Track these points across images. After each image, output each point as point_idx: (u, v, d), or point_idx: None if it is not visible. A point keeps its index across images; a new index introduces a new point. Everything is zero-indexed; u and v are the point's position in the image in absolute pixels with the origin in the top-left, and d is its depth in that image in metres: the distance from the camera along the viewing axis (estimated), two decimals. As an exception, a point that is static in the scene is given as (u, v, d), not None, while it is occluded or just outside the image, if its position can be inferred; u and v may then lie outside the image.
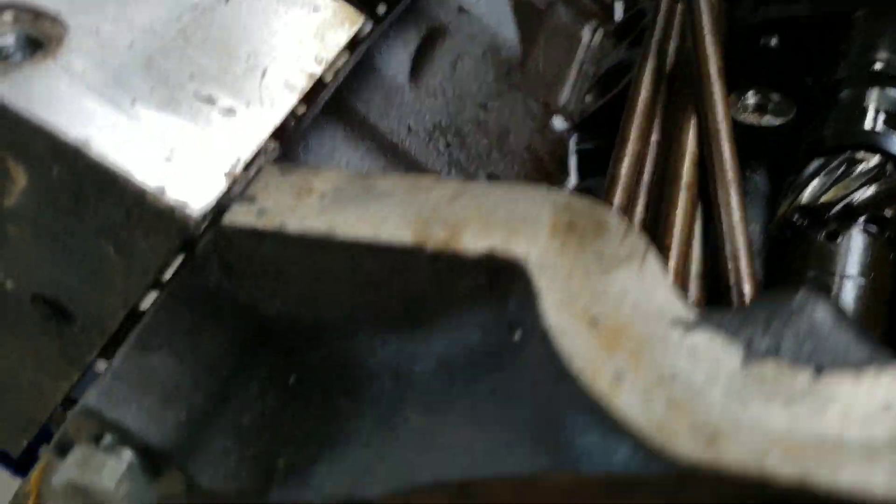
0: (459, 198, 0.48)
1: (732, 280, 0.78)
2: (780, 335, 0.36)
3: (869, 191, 0.76)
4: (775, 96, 0.95)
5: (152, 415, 0.49)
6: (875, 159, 0.79)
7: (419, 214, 0.47)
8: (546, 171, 1.16)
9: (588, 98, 1.30)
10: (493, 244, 0.43)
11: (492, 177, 1.08)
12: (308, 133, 0.90)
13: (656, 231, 0.86)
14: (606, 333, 0.37)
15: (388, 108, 1.02)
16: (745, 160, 0.97)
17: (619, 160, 0.97)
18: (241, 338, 0.55)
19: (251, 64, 0.58)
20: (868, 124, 0.82)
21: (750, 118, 0.93)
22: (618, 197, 0.89)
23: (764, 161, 0.96)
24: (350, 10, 0.67)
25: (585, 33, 1.46)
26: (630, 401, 0.33)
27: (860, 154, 0.81)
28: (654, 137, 0.95)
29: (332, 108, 0.94)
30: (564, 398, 0.36)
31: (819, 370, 0.33)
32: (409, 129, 1.03)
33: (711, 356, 0.35)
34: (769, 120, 0.92)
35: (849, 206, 0.75)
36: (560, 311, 0.39)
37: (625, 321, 0.37)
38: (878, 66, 0.88)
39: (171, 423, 0.50)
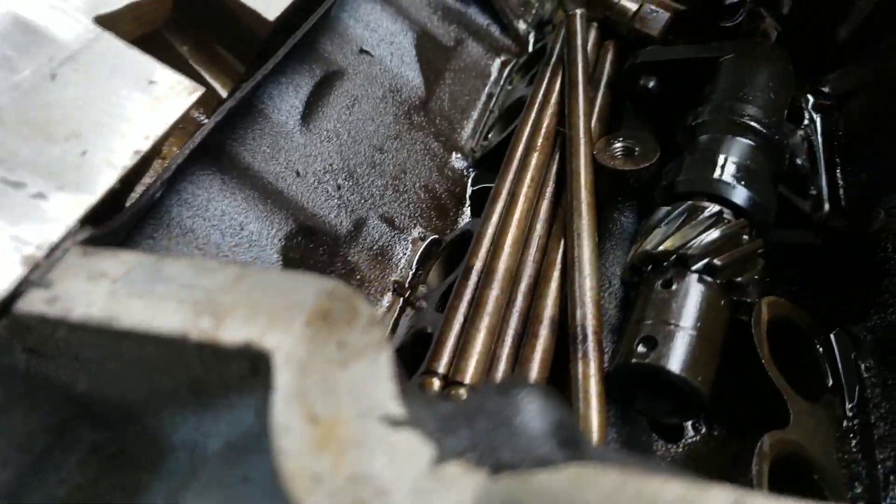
0: (238, 283, 0.51)
1: (578, 324, 0.81)
2: (480, 432, 0.38)
3: (704, 240, 0.79)
4: (641, 141, 0.98)
5: (-46, 495, 0.51)
6: (714, 209, 0.82)
7: (195, 301, 0.49)
8: (443, 209, 1.18)
9: (491, 135, 1.33)
10: (250, 335, 0.46)
11: (384, 217, 1.10)
12: (183, 186, 0.92)
13: (518, 275, 0.89)
14: (322, 431, 0.39)
15: (275, 153, 1.04)
16: (614, 202, 1.01)
17: (494, 201, 1.00)
18: (59, 413, 0.57)
19: (71, 145, 0.60)
20: (715, 173, 0.85)
21: (615, 163, 0.96)
22: (484, 247, 0.92)
23: (632, 203, 0.99)
24: (187, 83, 0.69)
25: (495, 68, 1.49)
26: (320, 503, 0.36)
27: (703, 202, 0.84)
28: (525, 184, 0.98)
29: (211, 158, 0.96)
30: (279, 496, 0.38)
31: (497, 469, 0.36)
32: (298, 173, 1.05)
33: (406, 455, 0.37)
34: (633, 164, 0.95)
35: (683, 255, 0.78)
36: (289, 407, 0.41)
37: (343, 418, 0.40)
38: (735, 113, 0.91)
39: (-25, 501, 0.52)
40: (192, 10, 0.85)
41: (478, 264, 0.90)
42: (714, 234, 0.79)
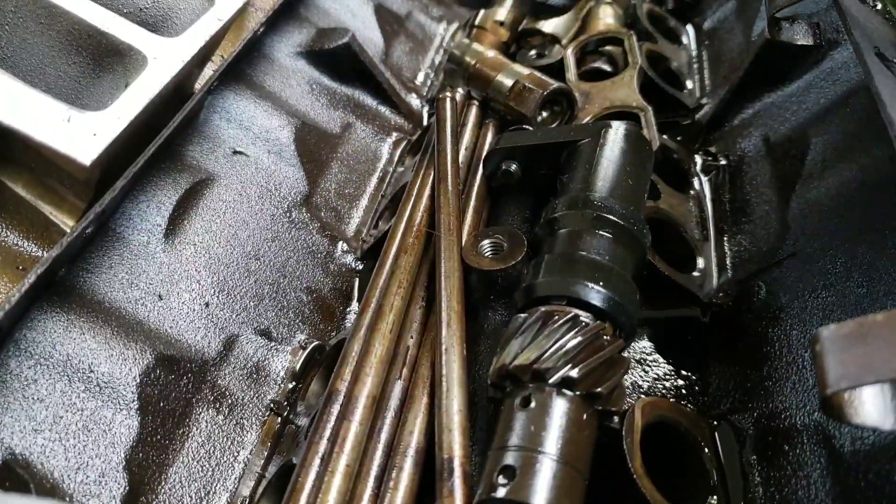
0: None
1: (444, 456, 0.76)
2: None
3: (559, 351, 0.75)
4: (509, 236, 0.95)
5: None
6: (569, 314, 0.78)
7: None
8: (328, 310, 1.13)
9: (381, 221, 1.29)
10: None
11: (259, 330, 1.04)
12: (21, 334, 0.86)
13: (383, 399, 0.85)
14: None
15: (134, 279, 0.98)
16: (487, 302, 0.97)
17: (362, 313, 0.96)
18: None
19: None
20: (571, 275, 0.82)
21: (482, 263, 0.92)
22: (349, 366, 0.87)
23: (505, 301, 0.95)
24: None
25: (386, 150, 1.46)
26: None
27: (559, 306, 0.80)
28: (393, 293, 0.94)
29: (55, 297, 0.90)
30: None
31: None
32: (160, 296, 0.99)
33: None
34: (501, 262, 0.92)
35: (538, 369, 0.74)
36: None
37: None
38: (590, 206, 0.88)
39: None
40: (11, 153, 0.80)
41: (342, 388, 0.85)
42: (569, 342, 0.75)
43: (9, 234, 0.90)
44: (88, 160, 0.76)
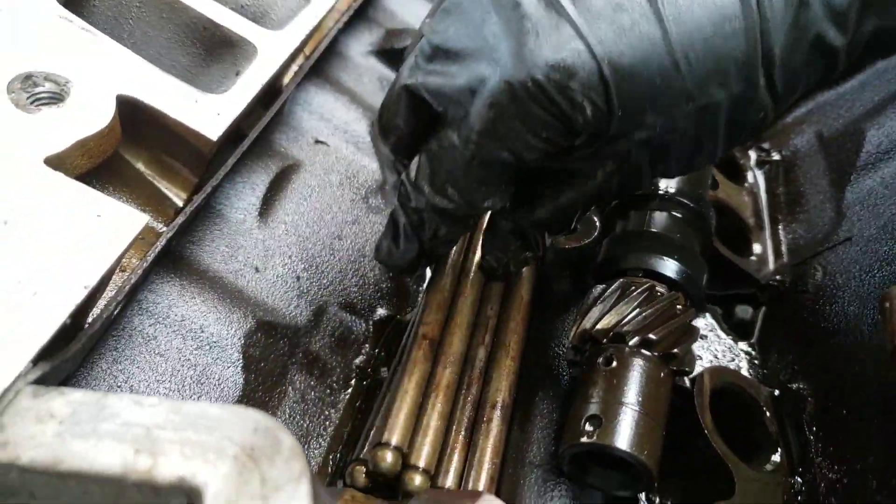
0: (174, 418, 0.54)
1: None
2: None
3: (638, 316, 0.83)
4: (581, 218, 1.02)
5: None
6: (646, 284, 0.86)
7: (134, 439, 0.53)
8: (403, 287, 1.21)
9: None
10: (183, 473, 0.49)
11: (344, 303, 1.14)
12: (143, 295, 0.95)
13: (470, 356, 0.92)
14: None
15: (234, 252, 1.08)
16: (560, 278, 1.05)
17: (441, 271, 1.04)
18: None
19: (19, 289, 0.64)
20: (646, 249, 0.90)
21: (561, 241, 1.00)
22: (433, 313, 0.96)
23: (573, 276, 1.03)
24: (133, 213, 0.72)
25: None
26: None
27: (636, 278, 0.88)
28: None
29: (170, 265, 1.00)
30: None
31: None
32: (257, 269, 1.09)
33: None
34: (575, 241, 1.00)
35: (620, 332, 0.82)
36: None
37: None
38: (661, 188, 0.96)
39: None
40: (140, 131, 0.90)
41: (429, 333, 0.94)
42: (646, 309, 0.83)
43: (130, 205, 0.99)
44: (215, 136, 0.85)
